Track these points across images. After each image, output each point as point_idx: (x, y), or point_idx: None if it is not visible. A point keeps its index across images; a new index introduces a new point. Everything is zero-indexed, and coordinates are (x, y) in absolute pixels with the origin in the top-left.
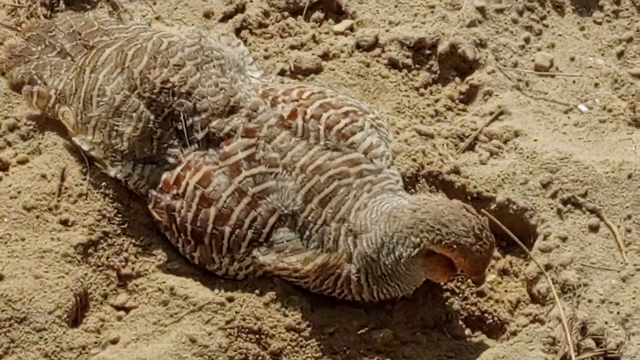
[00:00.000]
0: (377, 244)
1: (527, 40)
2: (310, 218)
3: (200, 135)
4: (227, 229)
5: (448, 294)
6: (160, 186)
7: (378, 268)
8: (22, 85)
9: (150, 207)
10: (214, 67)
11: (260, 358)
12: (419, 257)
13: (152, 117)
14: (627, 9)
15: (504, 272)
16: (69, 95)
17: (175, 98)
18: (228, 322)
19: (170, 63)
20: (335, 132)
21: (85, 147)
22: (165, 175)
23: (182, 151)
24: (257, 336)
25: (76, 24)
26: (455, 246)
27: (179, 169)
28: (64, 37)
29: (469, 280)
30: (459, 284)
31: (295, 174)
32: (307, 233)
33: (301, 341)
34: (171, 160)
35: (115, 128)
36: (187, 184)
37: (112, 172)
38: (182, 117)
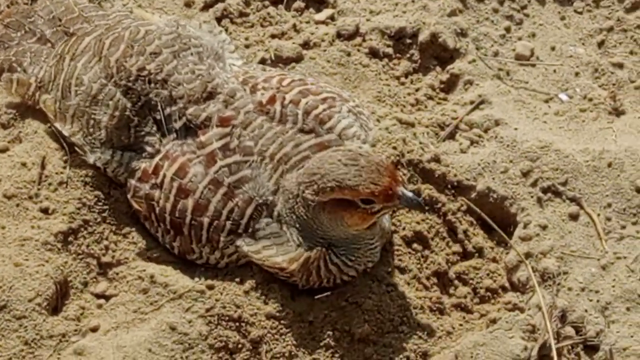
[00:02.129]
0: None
1: (508, 29)
2: (282, 210)
3: (177, 124)
4: (205, 220)
5: (432, 278)
6: (139, 175)
7: (323, 241)
8: (1, 72)
9: (129, 195)
10: (191, 54)
11: (239, 345)
12: (317, 212)
13: (129, 105)
14: None
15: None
16: (48, 82)
17: (152, 85)
18: (208, 310)
19: (147, 51)
20: (313, 117)
21: (66, 133)
22: (144, 164)
23: (160, 140)
24: (237, 324)
25: (56, 10)
26: (333, 184)
27: (157, 158)
28: (44, 22)
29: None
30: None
31: (264, 163)
32: (284, 225)
33: (281, 329)
34: (149, 148)
35: (93, 116)
36: (164, 175)
37: (91, 159)
38: (159, 107)
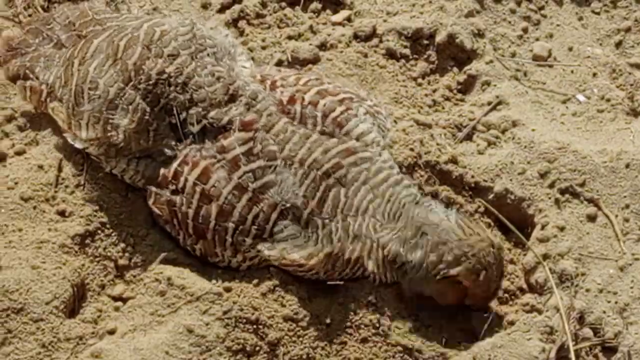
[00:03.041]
0: (400, 243)
1: (525, 30)
2: (313, 215)
3: (195, 128)
4: (230, 225)
5: None
6: (158, 181)
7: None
8: (18, 77)
9: (150, 202)
10: (208, 55)
11: (257, 348)
12: (427, 280)
13: (148, 109)
14: None
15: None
16: (58, 88)
17: (172, 88)
18: (225, 312)
19: (165, 53)
20: (331, 120)
21: (79, 145)
22: (162, 170)
23: (177, 145)
24: (254, 326)
25: (72, 15)
26: (479, 276)
27: (175, 164)
28: (60, 28)
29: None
30: None
31: (294, 168)
32: (311, 229)
33: (298, 331)
34: (168, 152)
35: (110, 121)
36: (186, 180)
37: (107, 168)
38: (175, 111)
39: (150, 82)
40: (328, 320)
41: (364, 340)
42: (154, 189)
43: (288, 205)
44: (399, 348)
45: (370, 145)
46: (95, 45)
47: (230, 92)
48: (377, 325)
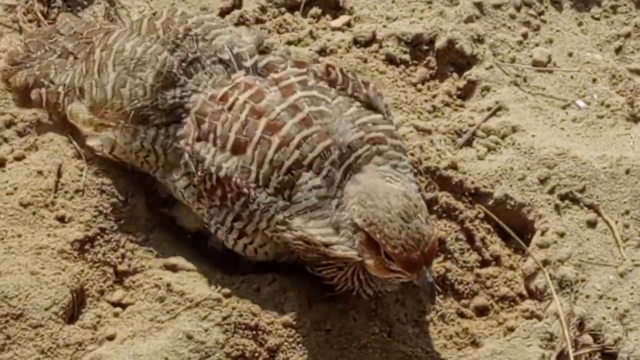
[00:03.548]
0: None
1: (525, 36)
2: (341, 182)
3: (248, 63)
4: (276, 139)
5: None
6: (207, 98)
7: None
8: (27, 87)
9: (193, 110)
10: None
11: (256, 354)
12: (354, 230)
13: (176, 63)
14: (625, 4)
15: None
16: (78, 81)
17: (200, 45)
18: (224, 318)
19: (189, 21)
20: (372, 89)
21: (98, 144)
22: (211, 92)
23: (229, 77)
24: (254, 332)
25: (77, 26)
26: (381, 227)
27: (225, 88)
28: (65, 38)
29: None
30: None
31: (342, 112)
32: (329, 203)
33: (298, 337)
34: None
35: (137, 81)
36: (236, 99)
37: (137, 142)
38: (226, 48)
39: (179, 36)
40: (328, 327)
41: (364, 347)
42: (203, 97)
43: (338, 142)
44: (399, 355)
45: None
46: (117, 33)
47: (263, 45)
48: (377, 331)
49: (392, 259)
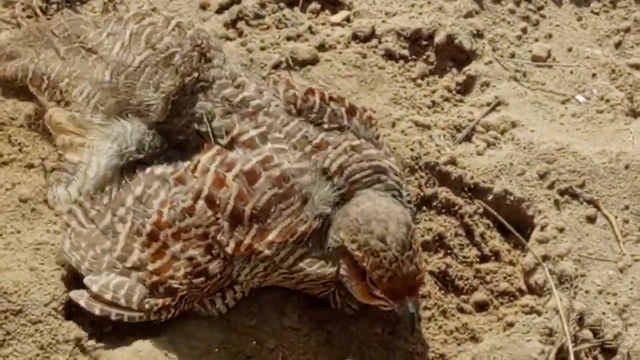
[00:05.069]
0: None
1: (524, 31)
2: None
3: (224, 141)
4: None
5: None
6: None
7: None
8: (16, 79)
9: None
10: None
11: (256, 352)
12: (339, 254)
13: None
14: None
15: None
16: (66, 85)
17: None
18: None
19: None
20: (358, 117)
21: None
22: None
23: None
24: (254, 330)
25: (71, 28)
26: (366, 248)
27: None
28: (59, 40)
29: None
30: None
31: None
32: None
33: (299, 338)
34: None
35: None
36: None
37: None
38: (205, 119)
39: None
40: (329, 328)
41: (365, 346)
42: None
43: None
44: (400, 352)
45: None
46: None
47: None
48: (379, 332)
49: (377, 285)
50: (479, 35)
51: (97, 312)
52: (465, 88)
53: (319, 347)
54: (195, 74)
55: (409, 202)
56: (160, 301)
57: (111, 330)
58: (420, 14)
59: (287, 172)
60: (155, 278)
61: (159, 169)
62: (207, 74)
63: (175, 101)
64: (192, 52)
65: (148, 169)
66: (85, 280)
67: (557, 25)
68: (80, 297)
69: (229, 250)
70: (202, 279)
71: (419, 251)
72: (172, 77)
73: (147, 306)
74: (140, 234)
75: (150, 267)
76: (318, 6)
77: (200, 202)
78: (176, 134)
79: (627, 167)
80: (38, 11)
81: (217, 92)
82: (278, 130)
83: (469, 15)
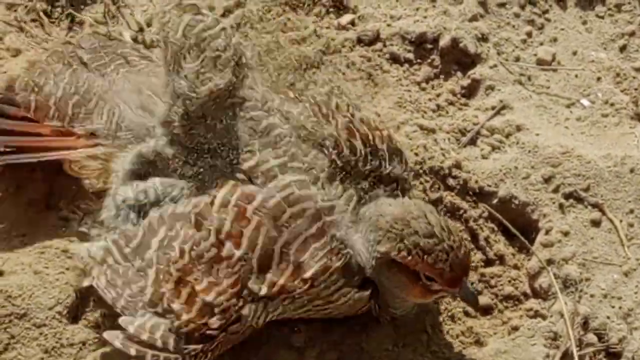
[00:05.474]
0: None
1: (529, 34)
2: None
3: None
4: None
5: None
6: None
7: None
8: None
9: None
10: None
11: None
12: (381, 267)
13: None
14: (629, 3)
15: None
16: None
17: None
18: None
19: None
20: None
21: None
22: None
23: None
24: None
25: (98, 43)
26: (417, 250)
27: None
28: (85, 51)
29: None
30: None
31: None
32: None
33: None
34: None
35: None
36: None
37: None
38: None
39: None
40: (342, 348)
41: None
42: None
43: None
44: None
45: None
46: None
47: None
48: (390, 347)
49: (436, 280)
50: (483, 39)
51: (133, 352)
52: (470, 92)
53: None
54: (234, 80)
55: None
56: (199, 347)
57: None
58: (425, 17)
59: (319, 209)
60: (191, 326)
61: (180, 208)
62: (240, 92)
63: (211, 108)
64: (235, 59)
65: (170, 208)
66: (121, 321)
67: (562, 29)
68: (115, 338)
69: (262, 293)
70: (237, 325)
71: (454, 229)
72: (221, 76)
73: (185, 350)
74: (167, 281)
75: (185, 317)
76: (323, 10)
77: (228, 244)
78: (201, 146)
79: (632, 170)
80: (42, 14)
81: (245, 113)
82: (300, 160)
83: (473, 19)
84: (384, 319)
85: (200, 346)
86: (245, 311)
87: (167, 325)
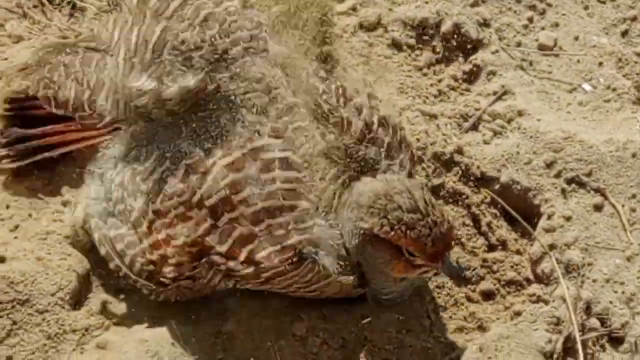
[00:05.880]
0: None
1: (531, 19)
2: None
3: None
4: None
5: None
6: None
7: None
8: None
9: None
10: None
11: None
12: (363, 244)
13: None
14: None
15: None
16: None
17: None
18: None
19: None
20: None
21: None
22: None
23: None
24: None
25: None
26: (400, 225)
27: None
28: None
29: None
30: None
31: None
32: None
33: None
34: None
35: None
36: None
37: None
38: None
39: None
40: (343, 334)
41: (377, 346)
42: None
43: None
44: (410, 349)
45: None
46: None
47: None
48: (394, 334)
49: (418, 255)
50: (485, 24)
51: (102, 252)
52: (471, 77)
53: (335, 354)
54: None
55: None
56: (151, 285)
57: (118, 320)
58: (427, 3)
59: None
60: (151, 267)
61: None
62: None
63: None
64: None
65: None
66: (110, 221)
67: (564, 14)
68: (97, 230)
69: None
70: (189, 281)
71: (435, 203)
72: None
73: (138, 282)
74: (144, 217)
75: (148, 256)
76: None
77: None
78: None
79: (634, 155)
80: (44, 0)
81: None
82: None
83: (475, 4)
84: (376, 302)
85: (152, 285)
86: (198, 272)
87: (136, 251)
